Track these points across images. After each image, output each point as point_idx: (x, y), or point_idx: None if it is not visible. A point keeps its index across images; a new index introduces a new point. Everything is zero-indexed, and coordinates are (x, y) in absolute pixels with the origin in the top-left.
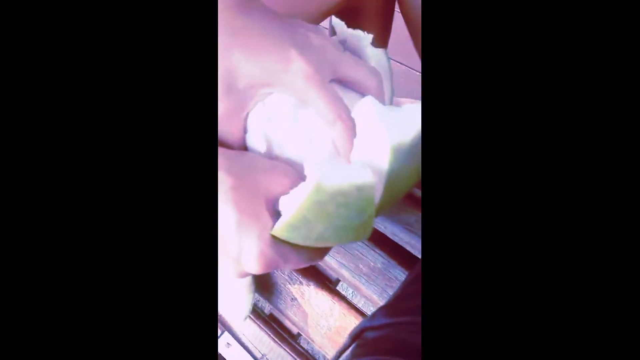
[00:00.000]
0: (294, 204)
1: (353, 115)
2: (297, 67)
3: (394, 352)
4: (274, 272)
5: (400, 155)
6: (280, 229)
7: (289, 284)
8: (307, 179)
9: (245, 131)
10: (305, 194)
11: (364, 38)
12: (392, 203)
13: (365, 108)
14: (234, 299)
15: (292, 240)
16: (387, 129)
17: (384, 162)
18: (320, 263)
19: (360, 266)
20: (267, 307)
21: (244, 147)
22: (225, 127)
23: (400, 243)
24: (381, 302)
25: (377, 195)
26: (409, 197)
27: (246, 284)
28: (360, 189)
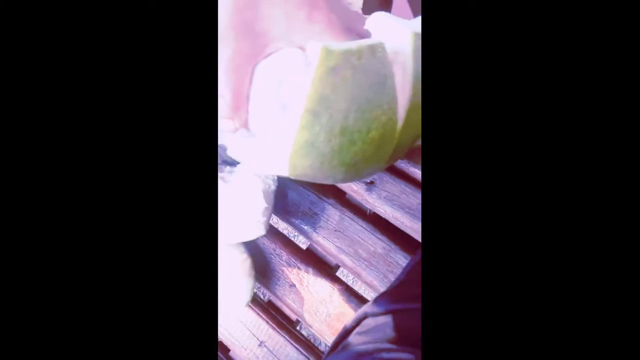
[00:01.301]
0: (308, 79)
1: (366, 27)
2: (321, 14)
3: (396, 340)
4: (272, 258)
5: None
6: (300, 128)
7: (287, 270)
8: (310, 51)
9: (251, 82)
10: (316, 62)
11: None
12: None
13: (377, 18)
14: (234, 285)
15: (314, 142)
16: (404, 22)
17: (406, 49)
18: (319, 248)
19: (360, 251)
20: (265, 294)
21: (247, 98)
22: (234, 73)
23: (402, 227)
24: (382, 288)
25: (407, 90)
26: (412, 181)
27: (246, 269)
28: (372, 48)
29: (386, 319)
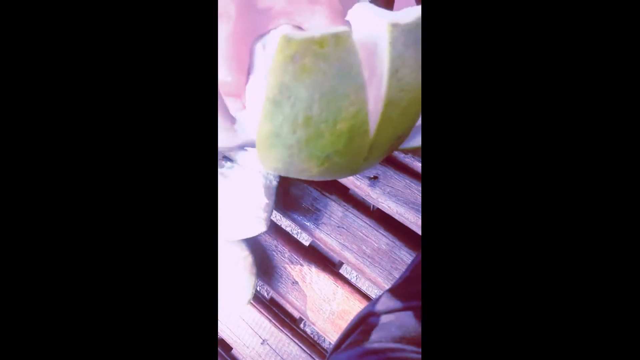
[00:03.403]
0: (266, 69)
1: (347, 18)
2: None
3: (401, 339)
4: (274, 255)
5: (400, 35)
6: (262, 118)
7: (290, 267)
8: (271, 37)
9: (252, 55)
10: (275, 50)
11: None
12: (402, 107)
13: (357, 9)
14: (235, 283)
15: (279, 133)
16: (382, 13)
17: (383, 40)
18: (322, 245)
19: (364, 248)
20: (267, 292)
21: (249, 71)
22: (236, 49)
23: (406, 223)
24: (386, 285)
25: (383, 83)
26: (417, 175)
27: (248, 266)
28: (336, 37)
29: (391, 317)
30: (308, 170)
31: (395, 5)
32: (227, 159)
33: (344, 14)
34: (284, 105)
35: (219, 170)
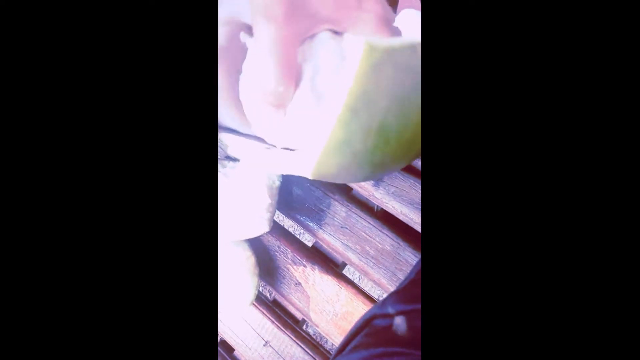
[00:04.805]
0: (350, 75)
1: (396, 24)
2: (371, 6)
3: (406, 343)
4: (277, 256)
5: None
6: (336, 125)
7: (293, 268)
8: (353, 46)
9: (298, 61)
10: (359, 58)
11: None
12: None
13: (407, 16)
14: (237, 284)
15: (349, 141)
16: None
17: None
18: (325, 246)
19: (368, 249)
20: (269, 293)
21: (298, 75)
22: (283, 54)
23: (410, 223)
24: (390, 287)
25: None
26: (419, 174)
27: (250, 267)
28: (413, 47)
29: (396, 320)
30: (356, 176)
31: (398, 6)
32: (230, 158)
33: (390, 22)
34: (361, 113)
35: (221, 170)
